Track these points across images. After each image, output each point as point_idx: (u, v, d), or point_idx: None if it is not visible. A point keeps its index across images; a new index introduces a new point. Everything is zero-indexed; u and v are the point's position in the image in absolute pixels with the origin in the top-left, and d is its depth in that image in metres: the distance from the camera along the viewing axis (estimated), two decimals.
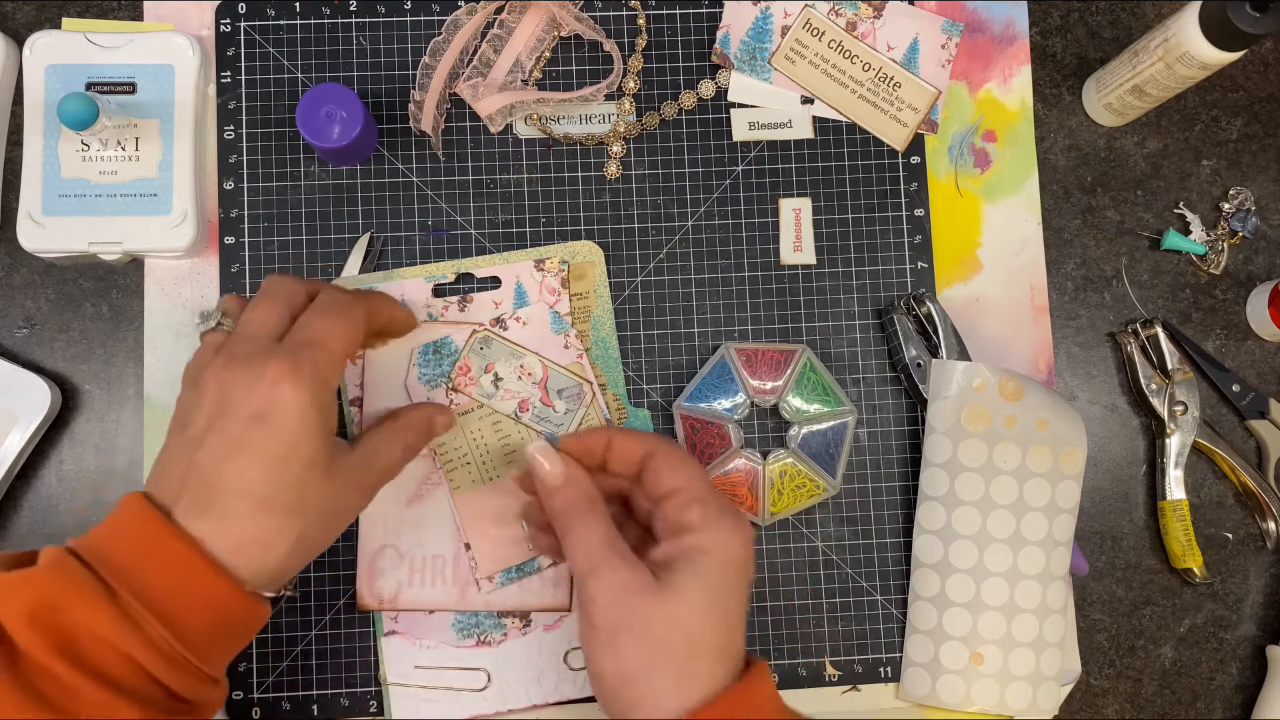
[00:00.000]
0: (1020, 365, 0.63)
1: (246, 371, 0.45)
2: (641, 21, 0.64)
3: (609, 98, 0.63)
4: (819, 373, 0.60)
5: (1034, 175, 0.65)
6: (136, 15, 0.63)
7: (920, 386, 0.61)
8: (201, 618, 0.44)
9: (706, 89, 0.63)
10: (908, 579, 0.61)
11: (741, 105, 0.64)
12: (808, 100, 0.64)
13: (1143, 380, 0.63)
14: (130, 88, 0.59)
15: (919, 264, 0.63)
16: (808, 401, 0.60)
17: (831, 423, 0.60)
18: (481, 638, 0.59)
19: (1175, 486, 0.63)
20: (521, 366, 0.59)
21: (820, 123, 0.64)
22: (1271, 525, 0.63)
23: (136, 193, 0.59)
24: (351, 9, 0.63)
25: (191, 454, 0.45)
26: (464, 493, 0.59)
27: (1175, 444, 0.63)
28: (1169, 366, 0.63)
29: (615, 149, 0.63)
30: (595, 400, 0.59)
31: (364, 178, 0.62)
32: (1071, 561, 0.61)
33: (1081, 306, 0.65)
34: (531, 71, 0.63)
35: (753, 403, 0.60)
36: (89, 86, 0.59)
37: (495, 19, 0.63)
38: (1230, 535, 0.64)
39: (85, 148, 0.59)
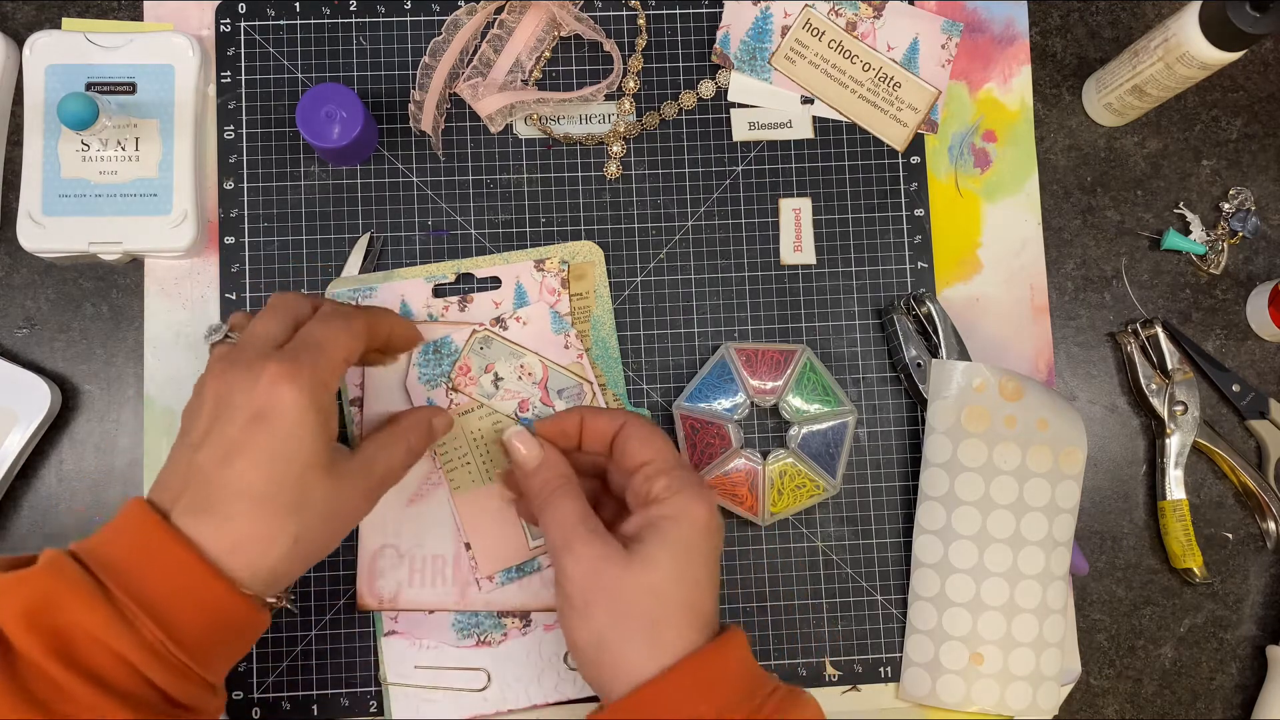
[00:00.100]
0: (1020, 365, 0.63)
1: (246, 374, 0.46)
2: (641, 21, 0.64)
3: (609, 98, 0.63)
4: (819, 373, 0.60)
5: (1034, 175, 0.65)
6: (136, 15, 0.63)
7: (920, 386, 0.61)
8: (197, 620, 0.44)
9: (706, 89, 0.63)
10: (908, 579, 0.61)
11: (741, 105, 0.64)
12: (808, 100, 0.64)
13: (1143, 380, 0.63)
14: (130, 88, 0.59)
15: (919, 264, 0.63)
16: (808, 401, 0.60)
17: (831, 423, 0.60)
18: (481, 638, 0.59)
19: (1175, 486, 0.63)
20: (522, 366, 0.59)
21: (820, 123, 0.64)
22: (1271, 525, 0.63)
23: (136, 193, 0.59)
24: (351, 9, 0.63)
25: (191, 456, 0.46)
26: (464, 493, 0.59)
27: (1175, 444, 0.63)
28: (1169, 366, 0.63)
29: (615, 149, 0.63)
30: (595, 400, 0.59)
31: (364, 178, 0.62)
32: (1071, 561, 0.61)
33: (1081, 306, 0.65)
34: (531, 71, 0.63)
35: (753, 403, 0.60)
36: (89, 86, 0.59)
37: (495, 19, 0.63)
38: (1230, 535, 0.64)
39: (85, 148, 0.59)
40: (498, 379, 0.59)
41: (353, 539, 0.59)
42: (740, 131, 0.63)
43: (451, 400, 0.59)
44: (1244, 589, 0.64)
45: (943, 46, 0.64)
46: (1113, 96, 0.63)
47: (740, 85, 0.64)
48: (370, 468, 0.50)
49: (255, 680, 0.58)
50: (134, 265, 0.61)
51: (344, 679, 0.59)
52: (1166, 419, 0.63)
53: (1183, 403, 0.63)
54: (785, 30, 0.64)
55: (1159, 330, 0.63)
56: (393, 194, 0.62)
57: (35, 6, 0.63)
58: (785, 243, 0.63)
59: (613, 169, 0.63)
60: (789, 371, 0.60)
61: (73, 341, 0.61)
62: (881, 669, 0.61)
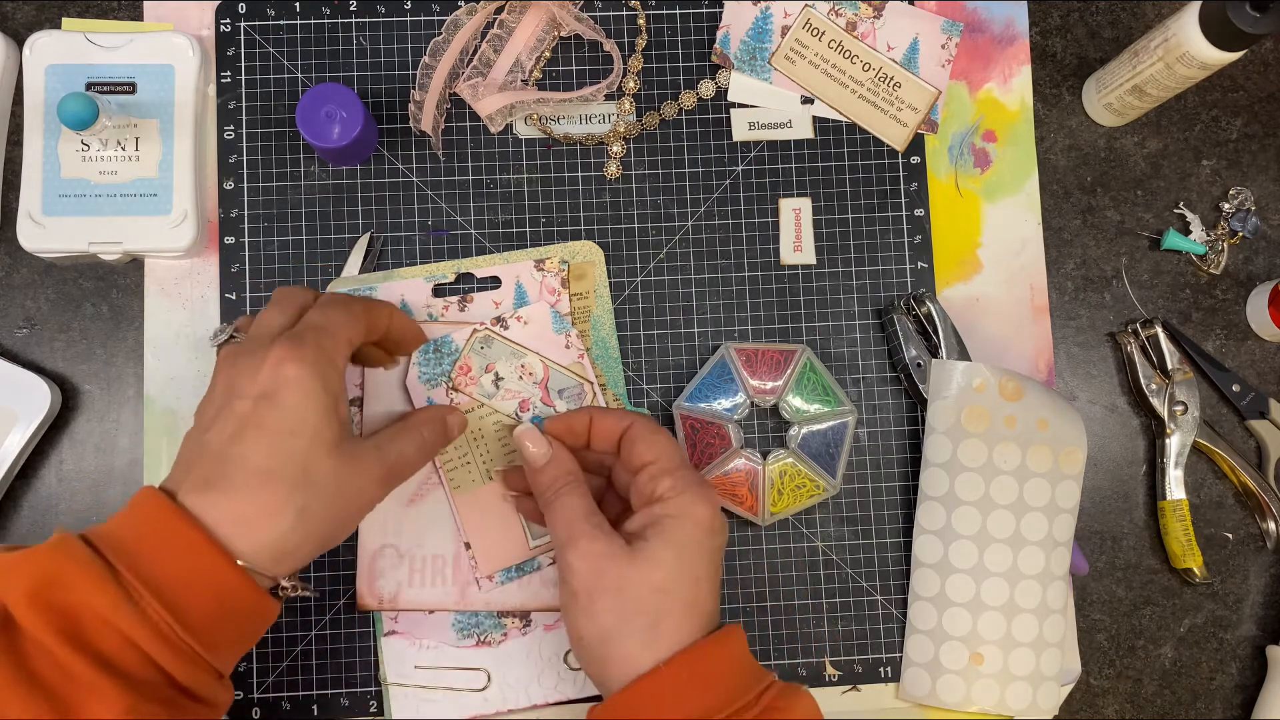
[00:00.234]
0: (1020, 365, 0.63)
1: (252, 359, 0.47)
2: (641, 21, 0.64)
3: (609, 98, 0.63)
4: (819, 373, 0.60)
5: (1034, 175, 0.65)
6: (136, 15, 0.63)
7: (920, 386, 0.61)
8: (205, 604, 0.44)
9: (706, 89, 0.63)
10: (908, 579, 0.61)
11: (741, 105, 0.64)
12: (808, 100, 0.64)
13: (1143, 380, 0.63)
14: (130, 88, 0.59)
15: (919, 264, 0.63)
16: (808, 401, 0.60)
17: (831, 423, 0.60)
18: (481, 638, 0.59)
19: (1175, 486, 0.63)
20: (522, 366, 0.59)
21: (820, 123, 0.64)
22: (1271, 525, 0.63)
23: (136, 193, 0.59)
24: (351, 9, 0.63)
25: (200, 438, 0.46)
26: (464, 492, 0.59)
27: (1175, 444, 0.63)
28: (1169, 366, 0.63)
29: (615, 149, 0.63)
30: (596, 400, 0.59)
31: (364, 178, 0.62)
32: (1071, 561, 0.61)
33: (1081, 306, 0.65)
34: (531, 71, 0.63)
35: (753, 403, 0.60)
36: (89, 86, 0.59)
37: (495, 19, 0.63)
38: (1230, 535, 0.64)
39: (85, 148, 0.59)
40: (498, 379, 0.59)
41: (352, 539, 0.59)
42: (740, 131, 0.63)
43: (451, 400, 0.59)
44: (1244, 589, 0.64)
45: (943, 46, 0.64)
46: (1113, 96, 0.63)
47: (740, 85, 0.64)
48: (382, 452, 0.50)
49: (255, 680, 0.58)
50: (134, 265, 0.61)
51: (344, 679, 0.59)
52: (1166, 419, 0.63)
53: (1183, 403, 0.63)
54: (785, 30, 0.64)
55: (1159, 330, 0.63)
56: (393, 194, 0.62)
57: (35, 6, 0.63)
58: (785, 243, 0.63)
59: (613, 169, 0.63)
60: (789, 371, 0.60)
61: (73, 341, 0.61)
62: (881, 669, 0.61)
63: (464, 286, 0.61)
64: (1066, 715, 0.62)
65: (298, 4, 0.63)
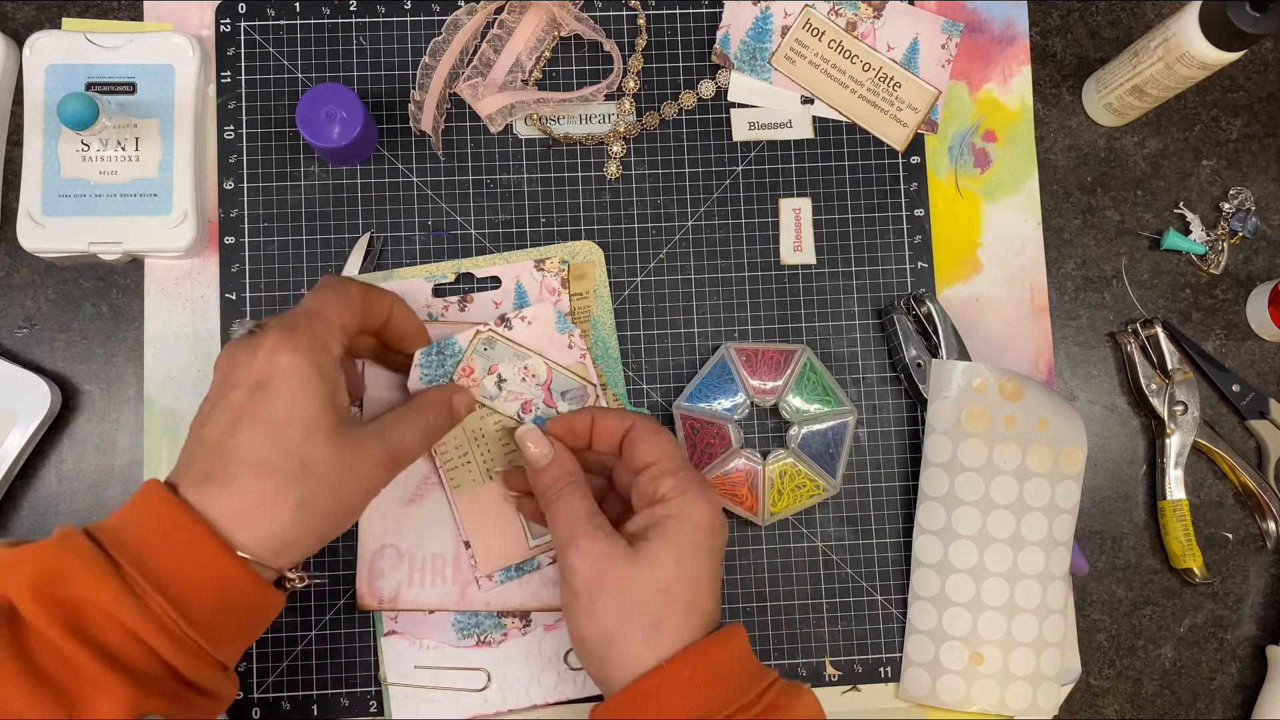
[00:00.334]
0: (1020, 365, 0.63)
1: (245, 349, 0.47)
2: (641, 21, 0.64)
3: (609, 98, 0.63)
4: (819, 373, 0.60)
5: (1034, 175, 0.65)
6: (136, 15, 0.63)
7: (920, 386, 0.61)
8: (208, 596, 0.44)
9: (706, 89, 0.63)
10: (908, 579, 0.61)
11: (741, 105, 0.64)
12: (808, 100, 0.64)
13: (1143, 380, 0.63)
14: (130, 88, 0.59)
15: (919, 264, 0.63)
16: (808, 401, 0.60)
17: (831, 423, 0.60)
18: (481, 638, 0.59)
19: (1175, 486, 0.63)
20: (525, 368, 0.59)
21: (820, 123, 0.64)
22: (1271, 525, 0.63)
23: (136, 193, 0.59)
24: (351, 9, 0.63)
25: (199, 432, 0.46)
26: (464, 492, 0.59)
27: (1175, 444, 0.63)
28: (1169, 366, 0.63)
29: (615, 149, 0.63)
30: (598, 401, 0.59)
31: (364, 178, 0.62)
32: (1071, 561, 0.61)
33: (1081, 306, 0.65)
34: (531, 71, 0.63)
35: (753, 403, 0.60)
36: (89, 86, 0.59)
37: (495, 19, 0.63)
38: (1230, 535, 0.64)
39: (85, 148, 0.59)
40: (501, 380, 0.59)
41: (353, 539, 0.59)
42: (740, 131, 0.63)
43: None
44: (1244, 589, 0.64)
45: (943, 46, 0.64)
46: (1113, 96, 0.63)
47: (740, 85, 0.64)
48: (383, 437, 0.49)
49: (255, 680, 0.58)
50: (134, 265, 0.61)
51: (344, 679, 0.59)
52: (1166, 419, 0.63)
53: (1183, 403, 0.63)
54: (785, 30, 0.64)
55: (1159, 330, 0.63)
56: (393, 194, 0.62)
57: (35, 6, 0.63)
58: (785, 243, 0.63)
59: (613, 169, 0.63)
60: (789, 371, 0.60)
61: (73, 341, 0.61)
62: (881, 669, 0.61)
63: (464, 286, 0.61)
64: (1066, 715, 0.62)
65: (298, 4, 0.63)
